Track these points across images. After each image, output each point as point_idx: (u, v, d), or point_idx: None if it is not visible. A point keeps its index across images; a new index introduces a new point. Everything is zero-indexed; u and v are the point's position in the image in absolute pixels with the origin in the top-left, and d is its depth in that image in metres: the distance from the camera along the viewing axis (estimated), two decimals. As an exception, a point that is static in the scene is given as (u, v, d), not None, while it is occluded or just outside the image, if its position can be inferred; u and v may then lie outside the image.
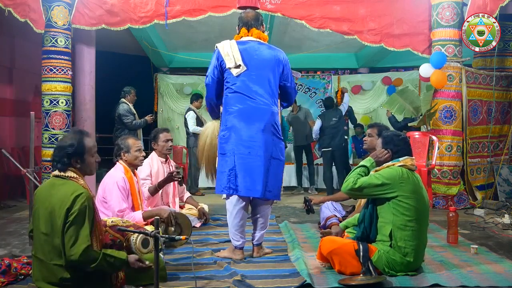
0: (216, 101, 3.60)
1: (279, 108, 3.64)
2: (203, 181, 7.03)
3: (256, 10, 5.28)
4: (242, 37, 3.57)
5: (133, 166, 3.74)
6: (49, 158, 5.92)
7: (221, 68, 3.48)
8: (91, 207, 2.48)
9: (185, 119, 7.24)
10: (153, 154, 4.49)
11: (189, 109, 7.28)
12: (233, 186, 3.39)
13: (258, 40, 3.54)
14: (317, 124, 7.20)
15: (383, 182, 3.04)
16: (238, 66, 3.41)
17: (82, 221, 2.41)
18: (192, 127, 7.07)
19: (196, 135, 7.01)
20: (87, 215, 2.43)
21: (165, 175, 4.36)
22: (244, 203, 3.49)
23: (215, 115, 3.74)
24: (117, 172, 3.62)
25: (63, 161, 2.52)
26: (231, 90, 3.46)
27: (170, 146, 4.49)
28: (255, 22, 3.56)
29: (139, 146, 3.75)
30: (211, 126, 3.84)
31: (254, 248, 3.60)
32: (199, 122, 7.12)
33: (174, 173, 4.16)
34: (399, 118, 7.59)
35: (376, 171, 3.17)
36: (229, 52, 3.44)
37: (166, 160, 4.53)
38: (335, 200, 4.40)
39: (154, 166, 4.38)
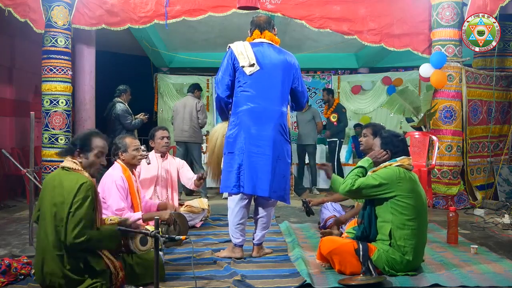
0: (227, 100, 3.57)
1: (288, 110, 3.68)
2: None
3: (256, 11, 5.34)
4: (254, 39, 3.61)
5: (131, 165, 3.75)
6: (49, 158, 5.94)
7: (234, 67, 3.51)
8: (93, 197, 2.56)
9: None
10: (152, 153, 4.60)
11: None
12: (242, 184, 3.41)
13: (270, 42, 3.59)
14: None
15: (381, 183, 3.05)
16: (252, 65, 3.44)
17: (85, 208, 2.49)
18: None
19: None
20: (90, 203, 2.52)
21: (161, 171, 4.51)
22: (246, 201, 3.52)
23: (225, 115, 3.69)
24: (115, 172, 3.63)
25: (70, 147, 2.69)
26: (242, 89, 3.49)
27: (166, 142, 4.59)
28: (267, 25, 3.61)
29: (137, 145, 3.76)
30: (221, 129, 3.81)
31: (254, 247, 3.62)
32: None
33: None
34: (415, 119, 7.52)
35: (373, 171, 3.17)
36: (243, 51, 3.48)
37: (164, 155, 4.63)
38: (334, 200, 4.40)
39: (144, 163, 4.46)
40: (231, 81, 3.52)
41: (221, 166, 3.62)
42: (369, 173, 3.20)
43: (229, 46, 3.56)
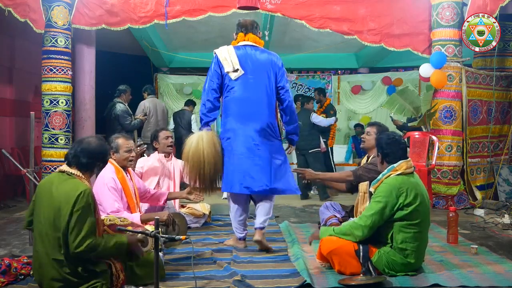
0: (214, 106, 3.71)
1: (277, 109, 3.81)
2: None
3: (256, 11, 5.35)
4: (239, 42, 3.77)
5: (123, 166, 3.73)
6: (49, 158, 5.93)
7: (221, 73, 3.68)
8: (93, 204, 2.55)
9: (190, 122, 7.75)
10: (155, 154, 4.60)
11: (190, 113, 7.85)
12: (238, 184, 3.60)
13: (253, 44, 3.74)
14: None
15: (386, 201, 2.99)
16: (236, 70, 3.63)
17: (86, 217, 2.48)
18: (196, 127, 7.59)
19: None
20: (91, 211, 2.51)
21: (164, 172, 4.52)
22: (245, 198, 3.76)
23: (206, 121, 3.74)
24: (107, 173, 3.57)
25: (94, 163, 2.67)
26: (229, 93, 3.68)
27: (171, 142, 4.62)
28: (252, 28, 3.77)
29: (129, 146, 3.72)
30: (195, 136, 3.72)
31: (256, 230, 3.72)
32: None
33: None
34: (404, 119, 7.50)
35: (375, 187, 3.12)
36: (227, 57, 3.64)
37: (169, 156, 4.64)
38: (331, 179, 4.25)
39: (148, 162, 4.50)
40: (218, 84, 3.69)
41: (196, 171, 3.59)
42: (371, 189, 3.16)
43: (215, 52, 3.70)
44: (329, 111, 7.50)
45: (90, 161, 2.64)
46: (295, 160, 7.68)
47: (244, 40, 3.74)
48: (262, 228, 3.74)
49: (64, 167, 2.65)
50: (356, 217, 3.79)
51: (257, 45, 3.75)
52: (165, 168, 4.55)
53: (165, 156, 4.60)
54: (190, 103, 8.00)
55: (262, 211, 3.75)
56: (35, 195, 2.67)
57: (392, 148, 3.14)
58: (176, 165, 4.65)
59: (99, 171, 2.78)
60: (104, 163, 2.76)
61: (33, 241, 2.67)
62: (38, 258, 2.57)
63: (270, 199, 3.79)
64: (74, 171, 2.62)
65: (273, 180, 3.61)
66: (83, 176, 2.62)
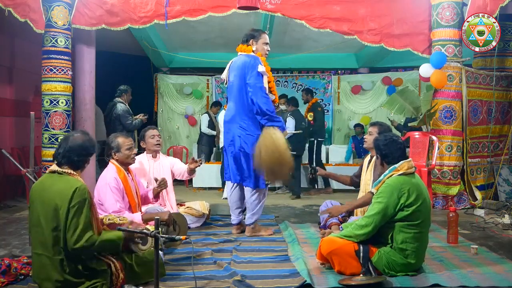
0: None
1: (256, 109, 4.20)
2: (198, 181, 7.27)
3: (256, 11, 5.36)
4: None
5: (126, 164, 3.72)
6: (49, 158, 5.93)
7: None
8: (90, 199, 2.56)
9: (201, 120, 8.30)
10: (143, 154, 4.56)
11: (206, 112, 8.46)
12: (226, 173, 4.40)
13: (240, 53, 4.32)
14: (291, 122, 6.92)
15: (387, 201, 3.00)
16: (223, 79, 4.43)
17: (82, 212, 2.49)
18: (204, 127, 8.07)
19: (207, 135, 8.06)
20: (87, 207, 2.52)
21: (154, 171, 4.47)
22: (233, 187, 4.33)
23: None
24: (109, 173, 3.60)
25: (85, 159, 2.70)
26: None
27: (157, 141, 4.54)
28: (244, 39, 4.32)
29: (130, 144, 3.73)
30: (266, 132, 4.05)
31: (246, 227, 4.31)
32: (211, 124, 8.09)
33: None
34: (402, 120, 7.53)
35: (377, 188, 3.13)
36: (226, 67, 4.38)
37: (156, 155, 4.56)
38: (339, 180, 4.40)
39: (135, 163, 4.30)
40: None
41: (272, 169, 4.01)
42: (373, 189, 3.17)
43: None
44: (316, 108, 7.62)
45: (81, 158, 2.66)
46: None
47: (239, 51, 4.34)
48: (249, 225, 4.25)
49: (54, 166, 2.64)
50: (356, 216, 3.80)
51: (244, 52, 4.27)
52: (153, 169, 4.49)
53: (152, 156, 4.55)
54: (214, 105, 8.41)
55: (249, 208, 4.27)
56: (30, 200, 2.65)
57: (390, 148, 3.15)
58: (164, 164, 4.58)
59: (86, 166, 2.77)
60: (90, 155, 2.74)
61: (32, 244, 2.66)
62: (37, 260, 2.57)
63: (254, 196, 4.19)
64: (65, 169, 2.62)
65: (241, 174, 4.18)
66: (75, 173, 2.63)
